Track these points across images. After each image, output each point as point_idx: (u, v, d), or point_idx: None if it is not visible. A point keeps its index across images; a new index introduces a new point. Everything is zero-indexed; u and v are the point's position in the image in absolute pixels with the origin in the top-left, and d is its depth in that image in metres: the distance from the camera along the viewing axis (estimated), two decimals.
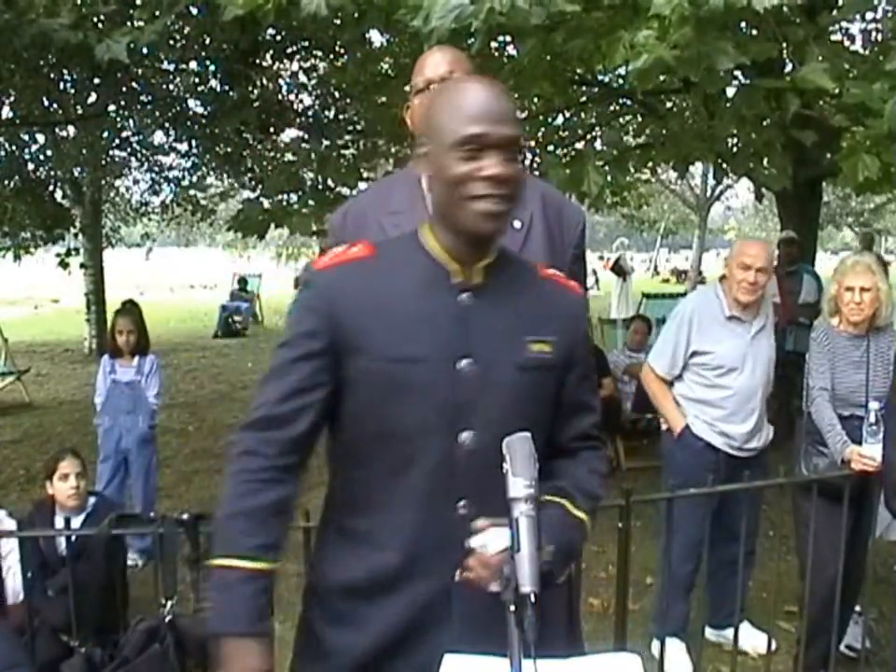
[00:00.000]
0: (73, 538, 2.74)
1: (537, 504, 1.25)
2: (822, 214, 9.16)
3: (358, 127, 7.71)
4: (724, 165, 5.98)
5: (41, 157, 10.40)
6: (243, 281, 17.82)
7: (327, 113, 8.35)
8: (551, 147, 7.66)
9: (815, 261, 6.99)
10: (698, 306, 3.50)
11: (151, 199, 13.37)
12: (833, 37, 5.72)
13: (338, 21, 4.93)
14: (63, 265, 10.93)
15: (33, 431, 8.00)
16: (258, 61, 7.51)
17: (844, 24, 6.38)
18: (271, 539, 1.38)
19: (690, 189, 23.01)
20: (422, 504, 1.41)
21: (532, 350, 1.44)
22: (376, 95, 6.70)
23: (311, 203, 6.31)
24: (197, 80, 8.07)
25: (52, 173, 10.69)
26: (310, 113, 8.48)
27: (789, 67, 4.70)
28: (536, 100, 6.81)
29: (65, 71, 7.62)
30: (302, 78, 8.51)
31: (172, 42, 6.89)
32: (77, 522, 3.40)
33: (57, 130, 9.88)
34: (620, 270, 15.35)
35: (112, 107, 8.81)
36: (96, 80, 7.67)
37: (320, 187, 6.58)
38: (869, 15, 6.34)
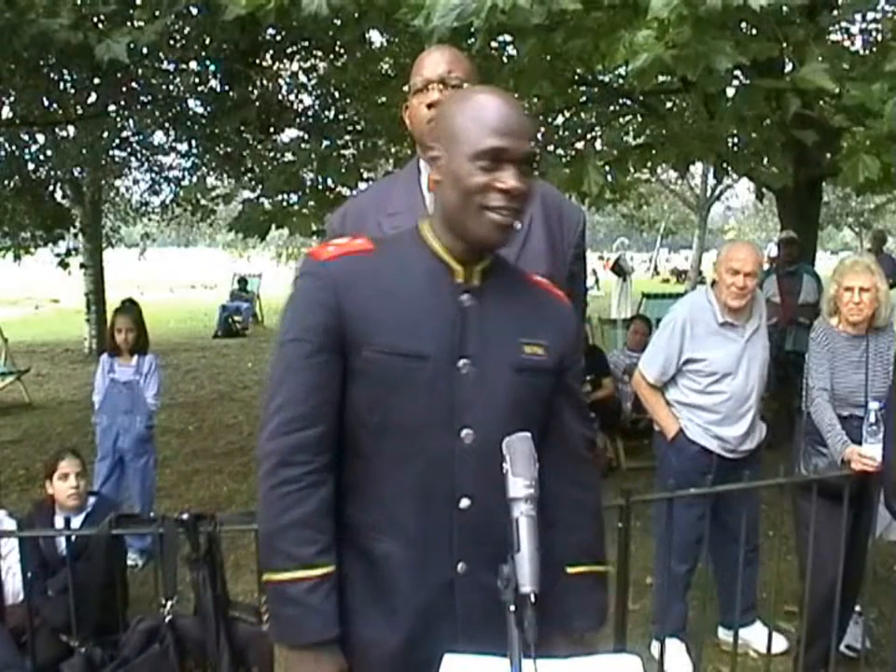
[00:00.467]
0: (73, 538, 2.73)
1: (537, 504, 1.25)
2: (822, 214, 9.16)
3: (358, 127, 7.70)
4: (725, 165, 5.98)
5: (41, 157, 10.38)
6: (243, 281, 17.82)
7: (327, 113, 8.34)
8: (551, 147, 7.65)
9: (815, 261, 6.99)
10: (690, 314, 3.46)
11: (151, 199, 13.37)
12: (833, 37, 5.73)
13: (338, 22, 4.92)
14: (63, 265, 10.94)
15: (33, 431, 8.01)
16: (258, 61, 7.51)
17: (844, 24, 6.38)
18: (326, 542, 1.40)
19: (690, 188, 23.01)
20: (422, 498, 1.43)
21: (526, 352, 1.48)
22: (376, 95, 6.70)
23: (311, 203, 6.31)
24: (197, 80, 8.06)
25: (52, 173, 10.67)
26: (310, 113, 8.48)
27: (789, 67, 4.71)
28: (536, 100, 6.80)
29: (65, 71, 7.61)
30: (302, 78, 8.50)
31: (172, 42, 6.89)
32: (76, 522, 3.40)
33: (57, 130, 9.87)
34: (620, 270, 15.35)
35: (112, 107, 8.80)
36: (96, 80, 7.65)
37: (320, 187, 6.57)
38: (869, 15, 6.35)
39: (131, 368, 4.76)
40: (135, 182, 13.66)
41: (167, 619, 2.41)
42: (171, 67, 7.84)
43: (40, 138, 10.20)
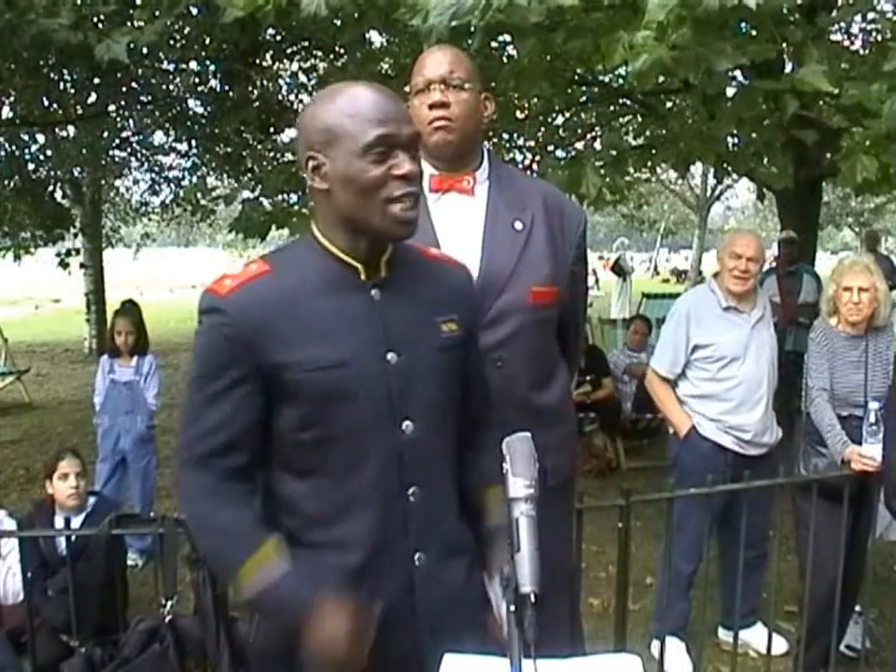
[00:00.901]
0: (73, 538, 2.73)
1: (536, 504, 1.25)
2: (822, 214, 9.16)
3: None
4: (725, 165, 5.98)
5: (41, 157, 10.39)
6: None
7: None
8: (550, 148, 7.66)
9: (815, 261, 6.99)
10: (694, 302, 3.53)
11: (151, 199, 13.37)
12: (833, 37, 5.73)
13: (338, 22, 4.93)
14: (63, 265, 10.94)
15: (33, 431, 8.00)
16: (258, 61, 7.51)
17: (843, 24, 6.38)
18: (261, 525, 1.41)
19: (690, 188, 23.03)
20: (375, 500, 1.43)
21: (444, 330, 1.49)
22: None
23: (311, 203, 6.30)
24: (197, 80, 8.07)
25: (52, 173, 10.68)
26: None
27: (789, 68, 4.71)
28: (535, 100, 6.81)
29: (65, 71, 7.62)
30: (302, 78, 8.51)
31: (172, 42, 6.89)
32: (76, 522, 3.40)
33: (57, 130, 9.88)
34: (620, 270, 15.37)
35: (112, 107, 8.81)
36: (96, 80, 7.66)
37: None
38: (869, 15, 6.34)
39: (131, 368, 4.76)
40: (135, 182, 13.70)
41: (167, 619, 2.40)
42: (171, 67, 7.85)
43: (40, 138, 10.21)
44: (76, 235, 12.02)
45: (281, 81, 8.64)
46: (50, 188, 10.73)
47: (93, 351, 12.35)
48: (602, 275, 24.01)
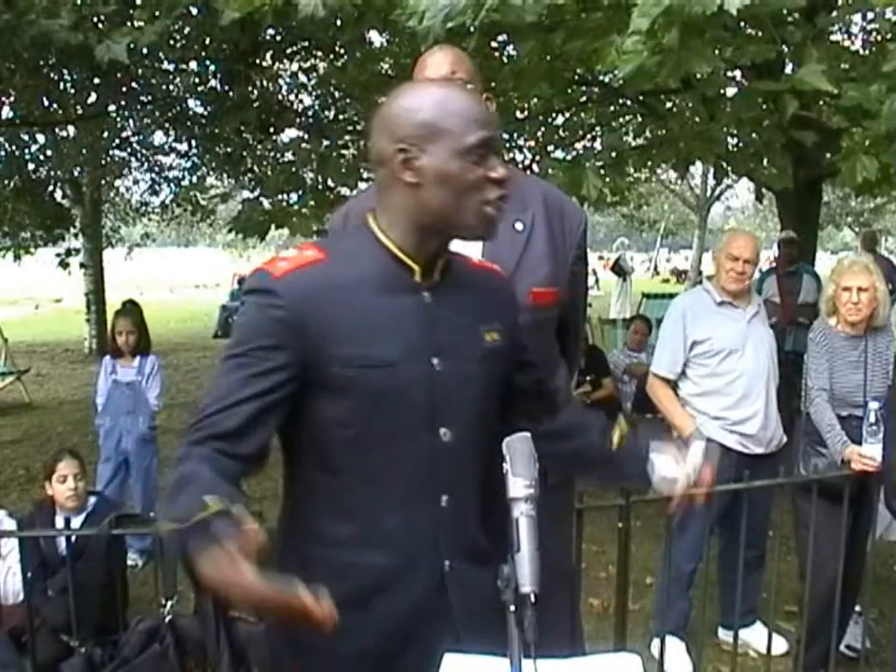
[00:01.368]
0: (73, 538, 2.74)
1: (536, 504, 1.26)
2: (822, 214, 9.15)
3: (358, 127, 7.70)
4: (725, 165, 5.98)
5: (41, 157, 10.39)
6: (243, 281, 17.77)
7: (327, 113, 8.34)
8: (550, 148, 7.66)
9: (815, 261, 6.99)
10: (689, 302, 3.60)
11: (151, 199, 13.37)
12: (833, 37, 5.73)
13: (338, 22, 4.93)
14: (63, 265, 10.94)
15: (33, 431, 8.01)
16: (258, 61, 7.51)
17: (843, 24, 6.38)
18: (228, 492, 1.22)
19: (690, 189, 23.02)
20: (407, 503, 1.41)
21: (487, 340, 1.47)
22: (376, 95, 6.69)
23: (311, 203, 6.31)
24: (197, 80, 8.06)
25: (52, 173, 10.68)
26: (310, 113, 8.48)
27: (788, 68, 4.71)
28: (535, 100, 6.81)
29: (65, 71, 7.62)
30: (302, 78, 8.51)
31: (172, 42, 6.89)
32: (77, 522, 3.40)
33: (57, 130, 9.88)
34: (620, 270, 15.38)
35: (112, 107, 8.81)
36: (96, 80, 7.66)
37: (320, 187, 6.57)
38: (869, 15, 6.35)
39: (132, 369, 4.75)
40: (135, 182, 13.67)
41: (167, 619, 2.41)
42: (171, 67, 7.85)
43: (40, 138, 10.21)
44: (76, 235, 12.02)
45: (281, 81, 8.64)
46: (50, 188, 10.73)
47: (93, 351, 12.35)
48: (602, 275, 24.02)
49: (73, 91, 8.45)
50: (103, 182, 12.24)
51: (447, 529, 1.43)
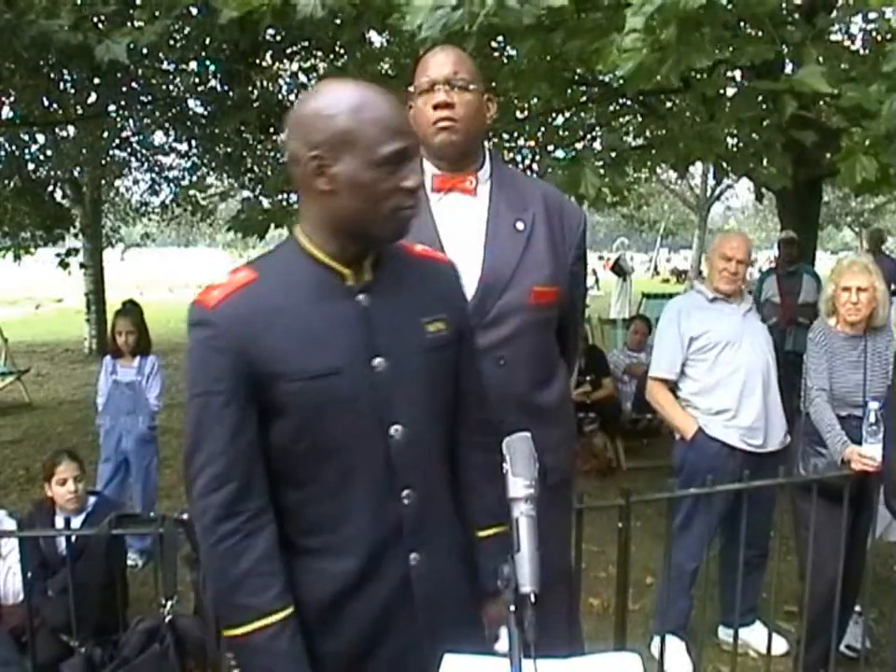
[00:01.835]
0: (73, 538, 2.74)
1: (536, 504, 1.26)
2: (822, 214, 9.15)
3: None
4: (725, 165, 5.98)
5: (41, 157, 10.40)
6: None
7: None
8: (550, 148, 7.65)
9: (815, 261, 6.99)
10: (682, 303, 3.64)
11: (151, 199, 13.38)
12: (833, 37, 5.72)
13: (337, 22, 4.93)
14: (63, 265, 10.94)
15: (33, 431, 8.00)
16: (258, 61, 7.51)
17: (843, 24, 6.38)
18: (280, 584, 1.38)
19: (690, 189, 23.05)
20: (370, 506, 1.43)
21: (430, 331, 1.48)
22: None
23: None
24: (197, 80, 8.07)
25: (52, 173, 10.69)
26: None
27: (788, 68, 4.71)
28: (535, 100, 6.80)
29: (65, 71, 7.63)
30: (302, 78, 8.51)
31: (172, 42, 6.90)
32: (77, 522, 3.40)
33: (57, 130, 9.89)
34: (620, 270, 15.37)
35: (112, 107, 8.81)
36: (96, 80, 7.66)
37: None
38: (870, 15, 6.34)
39: (133, 369, 4.75)
40: (135, 182, 13.70)
41: (167, 619, 2.41)
42: (171, 67, 7.85)
43: (40, 138, 10.21)
44: (76, 235, 12.02)
45: (281, 81, 8.64)
46: (50, 188, 10.73)
47: (93, 351, 12.36)
48: (602, 275, 24.02)
49: (73, 91, 8.46)
50: (103, 182, 12.24)
51: (411, 524, 1.45)
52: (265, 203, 6.51)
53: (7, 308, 19.74)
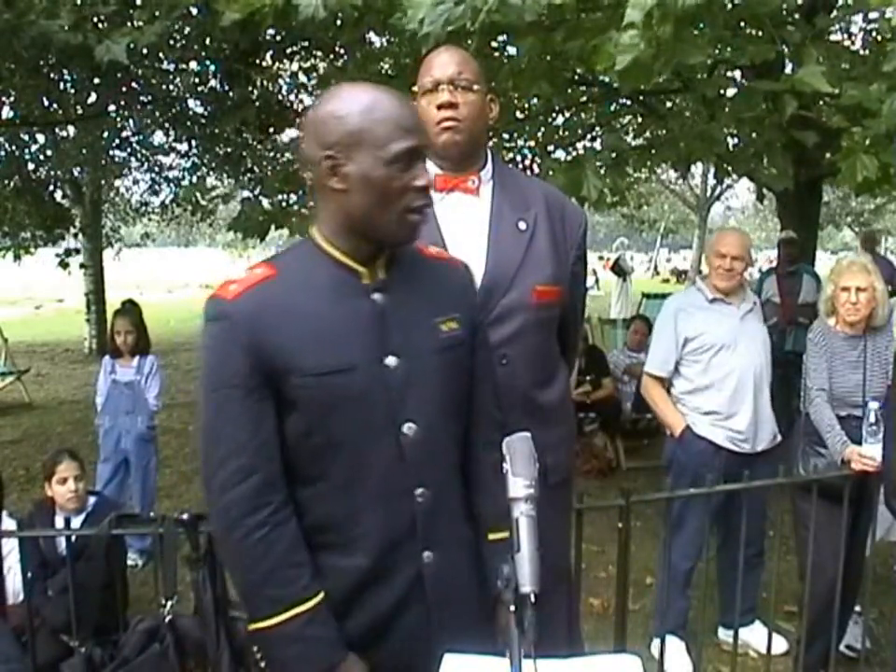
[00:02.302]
0: (73, 538, 2.73)
1: (536, 504, 1.26)
2: (822, 214, 9.14)
3: None
4: (725, 165, 5.98)
5: (41, 157, 10.38)
6: None
7: None
8: (550, 148, 7.65)
9: (815, 261, 6.99)
10: (681, 300, 3.64)
11: (151, 199, 13.37)
12: (833, 37, 5.72)
13: (338, 23, 4.93)
14: (63, 265, 10.94)
15: (33, 431, 8.01)
16: (258, 61, 7.50)
17: (843, 24, 6.38)
18: (309, 572, 1.40)
19: (690, 189, 23.04)
20: (382, 503, 1.43)
21: (443, 331, 1.49)
22: None
23: (311, 203, 6.29)
24: (197, 80, 8.06)
25: (52, 173, 10.68)
26: None
27: (788, 68, 4.70)
28: (535, 100, 6.80)
29: (65, 71, 7.62)
30: (302, 78, 8.50)
31: (172, 42, 6.88)
32: (77, 522, 3.40)
33: (57, 130, 9.87)
34: (620, 270, 15.37)
35: (112, 107, 8.79)
36: (96, 80, 7.65)
37: None
38: (870, 15, 6.34)
39: (132, 369, 4.76)
40: (135, 182, 13.69)
41: (167, 619, 2.40)
42: (171, 67, 7.84)
43: (40, 138, 10.20)
44: (76, 235, 12.02)
45: (281, 81, 8.62)
46: (50, 188, 10.73)
47: (93, 351, 12.36)
48: (602, 275, 24.01)
49: (73, 91, 8.44)
50: (103, 182, 12.24)
51: (424, 521, 1.45)
52: (265, 203, 6.49)
53: (7, 308, 19.74)
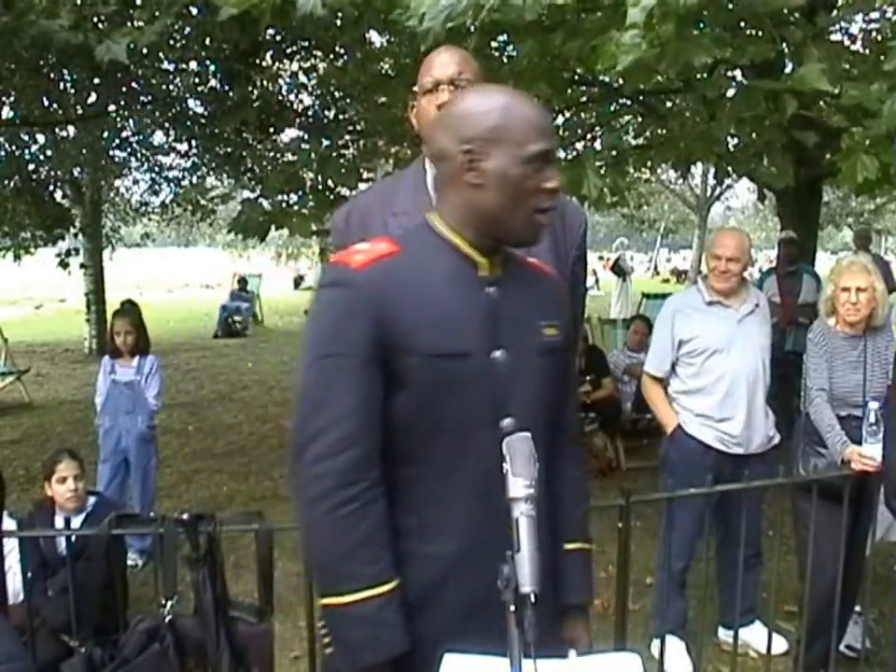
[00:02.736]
0: (73, 538, 2.73)
1: (536, 504, 1.26)
2: (822, 214, 9.15)
3: (358, 127, 7.69)
4: (725, 165, 5.98)
5: (41, 157, 10.38)
6: (243, 281, 17.80)
7: (327, 113, 8.33)
8: None
9: (815, 261, 6.99)
10: (680, 301, 3.64)
11: (151, 199, 13.37)
12: (833, 37, 5.72)
13: (338, 22, 4.93)
14: (63, 265, 10.94)
15: (33, 431, 8.01)
16: (258, 61, 7.50)
17: (844, 24, 6.38)
18: (389, 557, 1.38)
19: (690, 189, 23.03)
20: (474, 495, 1.43)
21: (546, 334, 1.52)
22: (376, 95, 6.69)
23: (311, 203, 6.30)
24: (197, 80, 8.06)
25: (52, 173, 10.68)
26: (310, 113, 8.47)
27: (789, 68, 4.70)
28: (535, 100, 6.80)
29: (65, 71, 7.62)
30: (302, 78, 8.50)
31: (172, 42, 6.88)
32: (76, 522, 3.40)
33: (57, 130, 9.88)
34: (620, 270, 15.38)
35: (112, 107, 8.79)
36: (96, 80, 7.65)
37: (320, 187, 6.56)
38: (871, 14, 6.33)
39: (132, 369, 4.76)
40: (135, 182, 13.68)
41: (167, 619, 2.40)
42: (171, 67, 7.84)
43: (40, 138, 10.20)
44: (76, 235, 12.02)
45: (281, 81, 8.63)
46: (50, 188, 10.72)
47: (93, 351, 12.35)
48: (602, 275, 24.01)
49: (73, 91, 8.44)
50: (103, 182, 12.24)
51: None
52: (265, 204, 6.49)
53: (7, 308, 19.73)
